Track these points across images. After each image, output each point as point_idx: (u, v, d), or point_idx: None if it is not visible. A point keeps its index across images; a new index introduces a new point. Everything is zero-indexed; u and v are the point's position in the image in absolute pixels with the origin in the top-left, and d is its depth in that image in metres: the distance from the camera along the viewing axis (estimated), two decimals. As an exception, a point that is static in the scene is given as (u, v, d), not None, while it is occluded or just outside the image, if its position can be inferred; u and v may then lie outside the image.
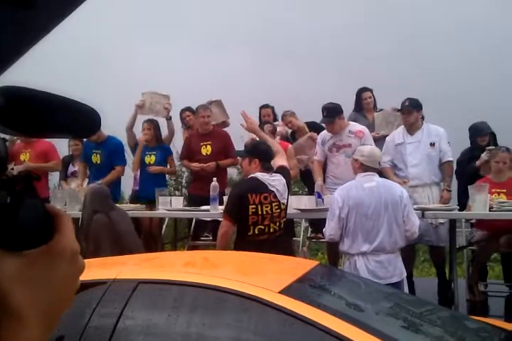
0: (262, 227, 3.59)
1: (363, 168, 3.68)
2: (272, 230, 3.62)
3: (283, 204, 3.69)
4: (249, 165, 3.79)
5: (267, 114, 6.07)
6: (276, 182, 3.67)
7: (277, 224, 3.66)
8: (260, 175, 3.66)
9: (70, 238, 0.49)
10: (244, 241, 3.61)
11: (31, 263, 0.46)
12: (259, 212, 3.56)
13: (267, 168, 3.73)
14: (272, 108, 6.17)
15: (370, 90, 5.88)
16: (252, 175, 3.70)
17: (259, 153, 3.79)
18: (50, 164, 5.86)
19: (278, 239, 3.66)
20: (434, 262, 5.28)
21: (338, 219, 3.55)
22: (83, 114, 0.53)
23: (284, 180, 3.71)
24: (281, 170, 3.81)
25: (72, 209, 5.25)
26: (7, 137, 0.50)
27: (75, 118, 0.52)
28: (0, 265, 0.44)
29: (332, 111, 4.91)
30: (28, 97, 0.48)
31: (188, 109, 6.30)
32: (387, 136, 5.33)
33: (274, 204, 3.62)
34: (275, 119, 6.16)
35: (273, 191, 3.62)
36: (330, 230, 3.61)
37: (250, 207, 3.55)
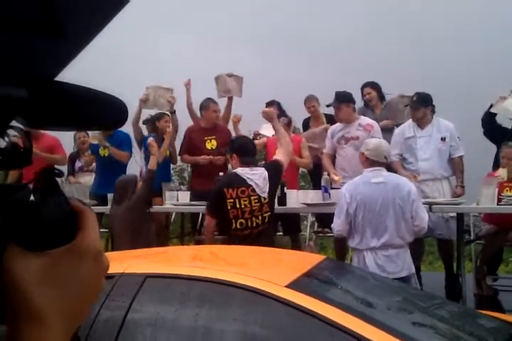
0: (243, 221, 3.69)
1: (368, 161, 3.65)
2: (254, 224, 3.70)
3: (264, 198, 3.73)
4: (231, 160, 3.98)
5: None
6: (255, 176, 3.73)
7: (259, 218, 3.71)
8: (240, 170, 3.78)
9: (95, 237, 0.47)
10: (228, 236, 3.75)
11: (54, 263, 0.44)
12: (237, 206, 3.68)
13: (246, 162, 3.81)
14: (278, 103, 6.13)
15: (371, 85, 5.81)
16: (234, 170, 3.89)
17: (237, 148, 3.96)
18: (57, 156, 5.86)
19: (262, 233, 3.72)
20: (442, 256, 5.26)
21: (346, 215, 3.53)
22: (111, 104, 0.52)
23: (265, 174, 3.75)
24: (270, 163, 3.94)
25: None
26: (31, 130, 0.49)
27: (103, 110, 0.51)
28: (22, 265, 0.43)
29: (340, 97, 4.93)
30: (54, 89, 0.46)
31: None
32: (396, 125, 5.31)
33: (252, 198, 3.69)
34: (283, 114, 6.11)
35: (251, 185, 3.70)
36: (338, 226, 3.60)
37: (228, 201, 3.68)
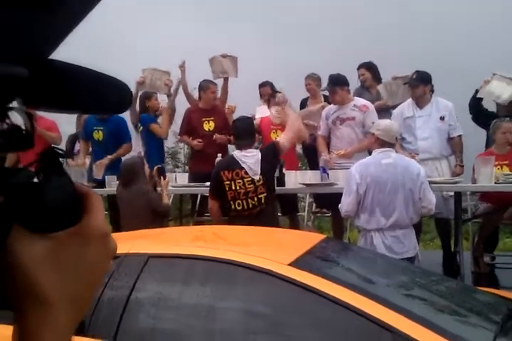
0: (240, 202, 3.78)
1: (379, 142, 3.62)
2: (250, 206, 3.78)
3: (257, 180, 3.77)
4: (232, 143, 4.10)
5: (266, 93, 5.98)
6: (248, 158, 3.81)
7: (255, 199, 3.78)
8: (236, 153, 3.90)
9: (100, 219, 0.46)
10: (229, 217, 3.85)
11: (59, 246, 0.43)
12: (233, 188, 3.78)
13: (240, 145, 3.92)
14: (271, 84, 6.07)
15: (366, 66, 5.76)
16: (231, 153, 4.04)
17: (233, 130, 4.10)
18: (54, 134, 5.77)
19: (261, 214, 3.77)
20: (440, 235, 5.31)
21: (356, 195, 3.51)
22: (115, 87, 0.50)
23: (258, 156, 3.80)
24: (267, 145, 4.01)
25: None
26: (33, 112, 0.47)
27: (105, 92, 0.49)
28: (26, 248, 0.42)
29: (334, 81, 4.91)
30: (56, 68, 0.45)
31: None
32: (392, 106, 5.30)
33: (245, 180, 3.77)
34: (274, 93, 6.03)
35: (244, 168, 3.77)
36: (347, 206, 3.59)
37: (225, 183, 3.80)
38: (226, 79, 6.01)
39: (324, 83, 5.44)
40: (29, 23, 0.42)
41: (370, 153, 3.93)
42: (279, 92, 4.81)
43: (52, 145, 0.46)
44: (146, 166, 4.28)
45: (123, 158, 4.71)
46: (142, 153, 5.66)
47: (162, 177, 4.39)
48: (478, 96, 5.27)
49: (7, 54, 0.43)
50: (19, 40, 0.43)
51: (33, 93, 0.44)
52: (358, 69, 5.78)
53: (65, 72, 0.46)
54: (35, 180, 0.44)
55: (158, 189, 4.33)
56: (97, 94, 0.48)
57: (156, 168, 4.44)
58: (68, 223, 0.44)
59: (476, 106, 5.28)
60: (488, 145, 5.18)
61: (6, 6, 0.40)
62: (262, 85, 6.09)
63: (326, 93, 5.45)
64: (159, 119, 5.92)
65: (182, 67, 6.03)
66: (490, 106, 5.38)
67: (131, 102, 0.53)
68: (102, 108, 0.53)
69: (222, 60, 5.92)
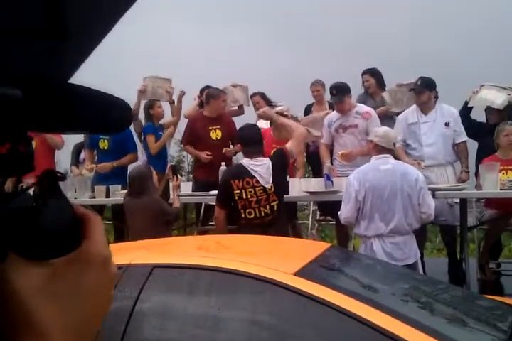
0: (252, 211, 3.73)
1: (377, 148, 3.67)
2: (262, 214, 3.74)
3: (268, 188, 3.75)
4: (240, 149, 4.06)
5: (257, 101, 5.98)
6: (258, 167, 3.77)
7: (267, 207, 3.75)
8: (245, 161, 3.84)
9: (101, 243, 0.44)
10: (239, 226, 3.81)
11: (58, 274, 0.41)
12: (244, 197, 3.74)
13: (248, 152, 3.87)
14: (262, 94, 6.07)
15: (371, 72, 5.77)
16: (239, 161, 3.98)
17: (240, 138, 4.07)
18: (56, 139, 5.75)
19: (272, 222, 3.74)
20: (445, 242, 5.28)
21: (355, 202, 3.54)
22: (115, 107, 0.49)
23: (269, 164, 3.78)
24: (275, 152, 3.98)
25: (82, 197, 5.28)
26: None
27: (107, 113, 0.48)
28: (21, 276, 0.40)
29: (341, 90, 4.90)
30: (50, 89, 0.44)
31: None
32: (396, 113, 5.30)
33: (257, 188, 3.74)
34: (268, 104, 5.99)
35: (255, 176, 3.73)
36: (346, 213, 3.61)
37: (235, 192, 3.75)
38: (241, 107, 6.13)
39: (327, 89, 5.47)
40: (31, 49, 0.43)
41: None
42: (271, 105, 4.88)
43: (51, 169, 0.45)
44: (154, 173, 4.25)
45: (129, 168, 4.65)
46: (146, 161, 5.68)
47: (175, 177, 4.30)
48: (470, 105, 5.33)
49: (5, 77, 0.43)
50: (15, 64, 0.44)
51: (34, 117, 0.43)
52: (362, 75, 5.78)
53: (73, 94, 0.46)
54: (34, 203, 0.42)
55: (170, 190, 4.24)
56: (101, 115, 0.48)
57: (169, 166, 4.42)
58: (66, 249, 0.42)
59: (464, 118, 5.27)
60: (478, 156, 5.22)
61: (26, 37, 0.40)
62: (252, 95, 6.09)
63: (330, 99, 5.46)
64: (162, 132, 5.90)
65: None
66: (479, 115, 5.43)
67: (131, 122, 0.52)
68: (106, 128, 0.52)
69: (233, 90, 6.00)
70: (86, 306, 0.42)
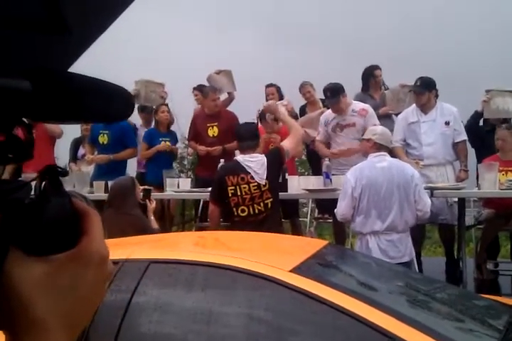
0: (245, 208, 3.71)
1: (376, 146, 3.70)
2: (256, 211, 3.72)
3: (263, 185, 3.74)
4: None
5: (271, 93, 5.99)
6: (253, 163, 3.76)
7: (261, 204, 3.73)
8: (240, 158, 3.85)
9: (100, 241, 0.45)
10: (231, 223, 3.79)
11: (57, 269, 0.42)
12: (238, 193, 3.71)
13: (243, 147, 3.90)
14: (278, 87, 6.09)
15: (380, 68, 5.81)
16: (235, 158, 3.98)
17: (236, 134, 4.06)
18: (56, 129, 5.74)
19: (266, 220, 3.72)
20: (443, 241, 5.28)
21: (351, 199, 3.56)
22: (117, 95, 0.50)
23: (264, 160, 3.76)
24: (271, 150, 3.98)
25: (81, 192, 5.27)
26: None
27: (110, 101, 0.48)
28: (23, 271, 0.41)
29: (335, 91, 4.87)
30: (57, 79, 0.44)
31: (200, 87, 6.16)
32: (396, 114, 5.29)
33: (251, 185, 3.72)
34: (281, 99, 6.06)
35: (250, 173, 3.72)
36: (342, 210, 3.63)
37: (229, 188, 3.72)
38: (230, 94, 6.02)
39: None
40: (35, 41, 0.43)
41: None
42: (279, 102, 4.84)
43: (53, 164, 0.45)
44: (138, 187, 3.95)
45: (119, 178, 4.39)
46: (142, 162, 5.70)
47: (149, 201, 3.99)
48: (486, 117, 5.30)
49: (9, 68, 0.43)
50: (22, 56, 0.44)
51: (39, 106, 0.44)
52: (374, 70, 5.79)
53: (79, 84, 0.46)
54: (36, 199, 0.43)
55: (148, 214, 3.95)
56: (104, 103, 0.48)
57: (142, 188, 4.00)
58: (67, 245, 0.43)
59: (472, 127, 5.27)
60: (479, 161, 5.14)
61: (27, 30, 0.41)
62: (268, 86, 6.07)
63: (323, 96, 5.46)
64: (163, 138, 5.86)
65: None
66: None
67: (133, 110, 0.53)
68: (109, 116, 0.52)
69: (216, 78, 5.86)
70: (81, 300, 0.44)
